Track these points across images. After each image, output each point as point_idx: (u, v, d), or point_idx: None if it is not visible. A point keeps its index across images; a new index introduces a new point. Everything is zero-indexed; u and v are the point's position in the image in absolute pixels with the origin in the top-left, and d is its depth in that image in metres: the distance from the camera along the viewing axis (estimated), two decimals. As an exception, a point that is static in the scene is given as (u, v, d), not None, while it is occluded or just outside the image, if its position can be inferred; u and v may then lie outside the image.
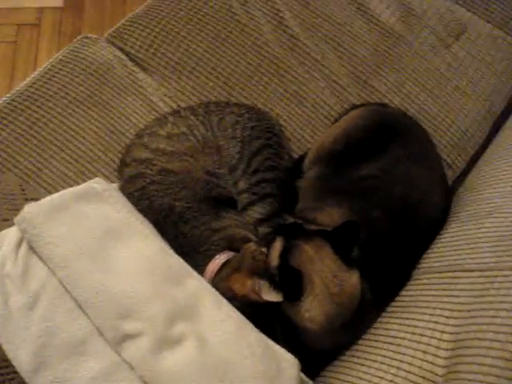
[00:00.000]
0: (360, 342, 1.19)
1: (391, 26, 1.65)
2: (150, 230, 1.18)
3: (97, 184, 1.19)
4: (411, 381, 1.02)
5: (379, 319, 1.22)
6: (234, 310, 1.11)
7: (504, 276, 1.02)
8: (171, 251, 1.16)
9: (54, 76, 1.52)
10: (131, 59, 1.58)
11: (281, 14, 1.64)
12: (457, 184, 1.52)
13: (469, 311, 1.03)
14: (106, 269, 1.08)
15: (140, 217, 1.21)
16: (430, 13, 1.68)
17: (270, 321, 1.20)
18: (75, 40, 1.60)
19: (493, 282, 1.03)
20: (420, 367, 1.03)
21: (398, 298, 1.23)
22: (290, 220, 1.31)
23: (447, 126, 1.56)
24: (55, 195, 1.13)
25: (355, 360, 1.16)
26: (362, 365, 1.13)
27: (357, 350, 1.19)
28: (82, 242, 1.09)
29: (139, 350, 1.03)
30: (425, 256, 1.29)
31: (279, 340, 1.18)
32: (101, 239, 1.11)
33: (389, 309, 1.22)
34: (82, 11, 2.41)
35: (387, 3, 1.68)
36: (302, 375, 1.11)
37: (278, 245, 1.19)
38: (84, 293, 1.06)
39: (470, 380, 0.91)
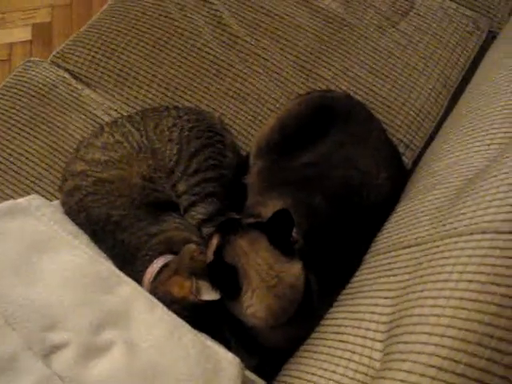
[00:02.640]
0: (312, 334, 1.14)
1: (333, 12, 1.61)
2: (80, 241, 1.16)
3: (24, 200, 1.18)
4: (351, 369, 0.97)
5: (331, 309, 1.16)
6: (169, 313, 1.07)
7: (436, 247, 0.95)
8: (102, 259, 1.14)
9: (-4, 102, 1.54)
10: (74, 77, 1.59)
11: (219, 14, 1.62)
12: (417, 163, 1.46)
13: (403, 289, 0.96)
14: (29, 282, 1.06)
15: (72, 229, 1.20)
16: (375, -7, 1.64)
17: (218, 324, 1.17)
18: (19, 65, 1.62)
19: (426, 255, 0.97)
20: (361, 354, 0.98)
21: (348, 285, 1.18)
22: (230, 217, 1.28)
23: (400, 105, 1.50)
24: (-24, 215, 1.13)
25: (305, 354, 1.12)
26: (310, 358, 1.08)
27: (307, 344, 1.14)
28: (5, 257, 1.08)
29: (67, 361, 1.00)
30: (375, 238, 1.23)
31: (230, 342, 1.14)
32: (25, 253, 1.09)
33: (339, 297, 1.17)
34: (51, 41, 2.45)
35: (329, -11, 1.65)
36: (250, 374, 1.08)
37: (213, 242, 1.16)
38: (9, 307, 1.04)
39: (395, 360, 0.85)
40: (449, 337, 0.78)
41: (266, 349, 1.16)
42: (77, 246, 1.13)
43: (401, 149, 1.46)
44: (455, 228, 0.95)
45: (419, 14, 1.62)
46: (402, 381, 0.79)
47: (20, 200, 1.17)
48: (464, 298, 0.81)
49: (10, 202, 1.16)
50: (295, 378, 1.07)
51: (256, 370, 1.10)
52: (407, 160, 1.47)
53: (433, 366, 0.77)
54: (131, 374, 0.99)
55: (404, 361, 0.82)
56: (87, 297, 1.06)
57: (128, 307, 1.07)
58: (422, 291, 0.90)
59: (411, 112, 1.51)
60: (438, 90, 1.53)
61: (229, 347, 1.10)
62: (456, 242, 0.91)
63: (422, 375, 0.77)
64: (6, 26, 2.56)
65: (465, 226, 0.93)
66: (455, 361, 0.76)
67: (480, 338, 0.76)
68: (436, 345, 0.79)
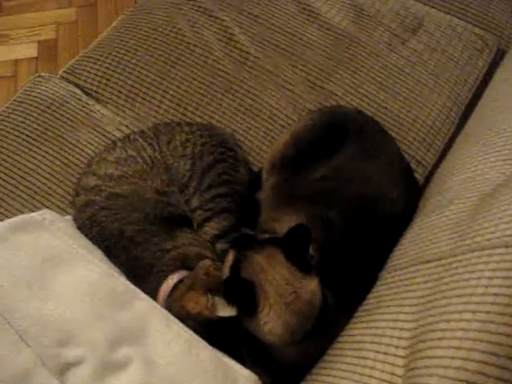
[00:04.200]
0: (328, 351, 1.13)
1: (344, 29, 1.62)
2: (95, 255, 1.15)
3: (38, 214, 1.17)
4: (372, 386, 0.95)
5: (348, 326, 1.15)
6: (186, 328, 1.06)
7: (458, 261, 0.95)
8: (117, 274, 1.13)
9: (7, 117, 1.53)
10: (85, 92, 1.59)
11: (230, 31, 1.62)
12: (429, 180, 1.46)
13: (425, 304, 0.95)
14: (44, 296, 1.05)
15: (86, 244, 1.18)
16: (384, 11, 1.65)
17: (233, 340, 1.15)
18: (29, 80, 1.62)
19: (448, 270, 0.96)
20: (382, 370, 0.96)
21: (364, 302, 1.17)
22: (247, 232, 1.27)
23: (411, 121, 1.51)
24: (-10, 228, 1.12)
25: (322, 371, 1.09)
26: (329, 375, 1.06)
27: (325, 361, 1.12)
28: (19, 271, 1.07)
29: (82, 378, 0.98)
30: (391, 254, 1.22)
31: (245, 359, 1.13)
32: (39, 267, 1.08)
33: (356, 313, 1.16)
34: (56, 58, 2.46)
35: (338, 7, 1.66)
36: (266, 392, 1.06)
37: (229, 258, 1.15)
38: (23, 322, 1.02)
39: (422, 376, 0.84)
40: (477, 351, 0.77)
41: (281, 366, 1.15)
42: (91, 261, 1.12)
43: (413, 165, 1.46)
44: (477, 242, 0.94)
45: (428, 32, 1.63)
46: (430, 397, 0.78)
47: (33, 214, 1.16)
48: (491, 312, 0.80)
49: (24, 216, 1.15)
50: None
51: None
52: (419, 176, 1.47)
53: (461, 381, 0.76)
54: (149, 391, 0.97)
55: (431, 375, 0.81)
56: (103, 312, 1.05)
57: (144, 323, 1.06)
58: (446, 306, 0.89)
59: (422, 128, 1.51)
60: (448, 107, 1.54)
61: (243, 364, 1.08)
62: (479, 257, 0.90)
63: (452, 389, 0.76)
64: (11, 42, 2.56)
65: (487, 240, 0.92)
66: (485, 375, 0.75)
67: (509, 351, 0.75)
68: (464, 359, 0.78)
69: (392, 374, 0.94)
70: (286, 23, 1.63)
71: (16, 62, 2.48)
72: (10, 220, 1.14)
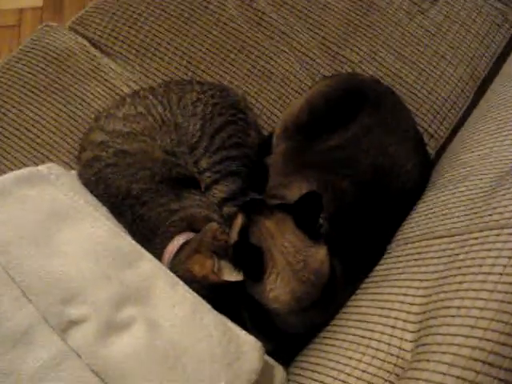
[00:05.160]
0: (332, 321, 1.12)
1: (363, -6, 1.58)
2: (100, 212, 1.12)
3: (45, 168, 1.14)
4: (379, 359, 0.94)
5: (353, 296, 1.14)
6: (191, 291, 1.04)
7: (474, 239, 0.93)
8: (123, 234, 1.10)
9: (13, 66, 1.48)
10: (94, 45, 1.54)
11: (245, -12, 1.57)
12: (440, 154, 1.43)
13: (437, 279, 0.94)
14: (49, 253, 1.02)
15: (91, 200, 1.16)
16: (405, -23, 1.60)
17: (236, 306, 1.14)
18: (36, 29, 1.57)
19: (463, 247, 0.95)
20: (389, 344, 0.95)
21: (371, 273, 1.15)
22: (256, 197, 1.25)
23: (426, 93, 1.48)
24: (-4, 180, 1.09)
25: (326, 341, 1.09)
26: (333, 345, 1.06)
27: (328, 330, 1.11)
28: (24, 226, 1.04)
29: (85, 337, 0.97)
30: (400, 227, 1.21)
31: (246, 324, 1.12)
32: (44, 222, 1.05)
33: (362, 285, 1.15)
34: (62, 9, 2.39)
35: (358, -31, 1.61)
36: (269, 359, 1.05)
37: (238, 222, 1.13)
38: (26, 278, 1.00)
39: (434, 352, 0.83)
40: (494, 330, 0.77)
41: (284, 334, 1.14)
42: (97, 218, 1.09)
43: (425, 138, 1.44)
44: (496, 220, 0.93)
45: (449, 2, 1.58)
46: (443, 373, 0.77)
47: (40, 167, 1.13)
48: (509, 292, 0.79)
49: (30, 169, 1.11)
50: (315, 364, 1.05)
51: (271, 355, 1.08)
52: (431, 150, 1.45)
53: (477, 360, 0.75)
54: (152, 353, 0.96)
55: (444, 353, 0.80)
56: (108, 271, 1.03)
57: (149, 284, 1.04)
58: (460, 283, 0.88)
59: (437, 101, 1.48)
60: (464, 81, 1.51)
61: (245, 329, 1.07)
62: (498, 235, 0.89)
63: (466, 368, 0.75)
64: (16, -10, 2.49)
65: (506, 218, 0.91)
66: (502, 355, 0.74)
67: (527, 333, 0.74)
68: (480, 338, 0.77)
69: (400, 348, 0.93)
70: (303, -16, 1.58)
71: (21, 10, 2.42)
72: (15, 172, 1.10)
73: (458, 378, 0.75)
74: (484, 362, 0.74)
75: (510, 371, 0.73)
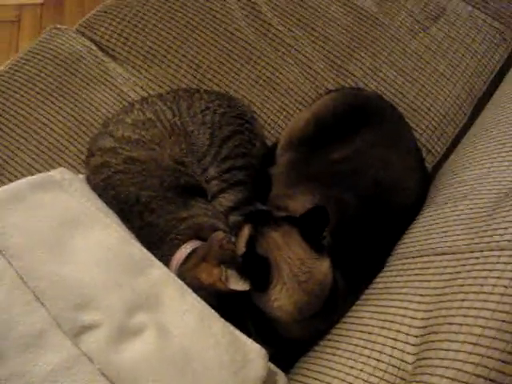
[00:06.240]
0: (333, 330, 1.16)
1: (367, 10, 1.61)
2: (111, 219, 1.15)
3: (58, 173, 1.16)
4: (381, 369, 0.98)
5: (353, 307, 1.18)
6: (199, 299, 1.08)
7: (475, 258, 0.98)
8: (133, 241, 1.13)
9: (21, 67, 1.50)
10: (101, 49, 1.56)
11: (253, 0, 1.60)
12: (437, 170, 1.48)
13: (439, 295, 0.98)
14: (62, 259, 1.05)
15: (102, 206, 1.18)
16: (408, -5, 1.65)
17: (241, 312, 1.17)
18: (44, 31, 1.58)
19: (464, 265, 0.99)
20: (390, 355, 0.99)
21: (372, 285, 1.19)
22: (261, 208, 1.28)
23: (425, 109, 1.52)
24: (11, 185, 1.11)
25: (327, 350, 1.13)
26: (334, 354, 1.09)
27: (329, 340, 1.15)
28: (38, 232, 1.06)
29: (97, 342, 0.99)
30: (400, 242, 1.25)
31: (250, 332, 1.15)
32: (57, 229, 1.07)
33: (363, 296, 1.19)
34: (62, 6, 2.39)
35: (363, -14, 1.65)
36: (272, 366, 1.08)
37: (245, 232, 1.16)
38: (40, 283, 1.03)
39: (436, 366, 0.87)
40: (495, 349, 0.81)
41: (284, 341, 1.17)
42: (109, 225, 1.12)
43: (423, 153, 1.48)
44: (496, 242, 0.97)
45: (449, 21, 1.63)
46: (446, 388, 0.82)
47: (52, 173, 1.15)
48: (510, 313, 0.83)
49: (43, 175, 1.14)
50: (317, 372, 1.09)
51: (273, 362, 1.11)
52: (428, 165, 1.49)
53: (479, 376, 0.80)
54: (162, 359, 0.99)
55: (447, 368, 0.84)
56: (120, 278, 1.06)
57: (159, 291, 1.07)
58: (462, 300, 0.92)
59: (435, 117, 1.53)
60: (462, 98, 1.56)
61: (249, 336, 1.11)
62: (499, 256, 0.93)
63: (469, 384, 0.80)
64: (17, -14, 2.48)
65: (507, 240, 0.95)
66: (504, 373, 0.78)
67: (528, 352, 0.78)
68: (482, 356, 0.81)
69: (401, 360, 0.97)
70: (311, -3, 1.62)
71: (20, 6, 2.42)
72: (29, 178, 1.12)
73: (461, 392, 0.79)
74: (486, 379, 0.79)
75: (511, 388, 0.77)
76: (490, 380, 0.78)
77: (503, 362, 0.79)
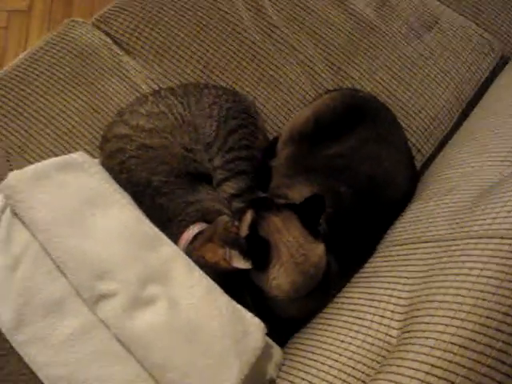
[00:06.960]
0: (325, 309, 1.25)
1: (366, 17, 1.72)
2: (127, 200, 1.25)
3: (79, 156, 1.25)
4: (368, 342, 1.08)
5: (344, 289, 1.28)
6: (205, 276, 1.17)
7: (456, 245, 1.08)
8: (147, 220, 1.23)
9: (41, 57, 1.58)
10: (116, 43, 1.65)
11: (260, 3, 1.70)
12: (425, 168, 1.59)
13: (422, 278, 1.09)
14: (83, 234, 1.14)
15: (118, 188, 1.27)
16: (404, 4, 1.76)
17: (241, 290, 1.26)
18: (63, 23, 1.66)
19: (446, 251, 1.09)
20: (377, 330, 1.09)
21: (362, 270, 1.30)
22: (262, 195, 1.38)
23: (417, 112, 1.63)
24: (38, 164, 1.20)
25: (320, 326, 1.22)
26: (326, 330, 1.19)
27: (321, 318, 1.24)
28: (62, 209, 1.16)
29: (113, 310, 1.09)
30: (389, 231, 1.36)
31: (249, 308, 1.24)
32: (79, 207, 1.17)
33: (353, 279, 1.29)
34: (71, -1, 2.47)
35: (364, -7, 1.76)
36: (268, 339, 1.17)
37: (248, 216, 1.25)
38: (62, 255, 1.12)
39: (418, 337, 0.97)
40: (470, 321, 0.91)
41: (279, 318, 1.27)
42: (125, 205, 1.22)
43: (413, 152, 1.58)
44: (476, 231, 1.08)
45: (442, 30, 1.74)
46: (426, 354, 0.92)
47: (73, 155, 1.24)
48: (484, 291, 0.94)
49: (66, 157, 1.23)
50: (310, 346, 1.18)
51: (269, 336, 1.20)
52: (417, 163, 1.59)
53: (455, 344, 0.90)
54: (172, 328, 1.09)
55: (427, 338, 0.95)
56: (135, 253, 1.15)
57: (169, 266, 1.17)
58: (443, 281, 1.03)
59: (426, 119, 1.63)
60: (451, 103, 1.67)
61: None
62: (476, 244, 1.04)
63: (446, 351, 0.90)
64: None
65: (485, 230, 1.06)
66: (476, 341, 0.89)
67: (498, 324, 0.89)
68: (458, 327, 0.92)
69: (387, 334, 1.07)
70: (314, 3, 1.72)
71: (31, -4, 2.48)
72: (53, 159, 1.22)
73: (439, 358, 0.89)
74: (461, 346, 0.89)
75: (482, 354, 0.87)
76: (464, 347, 0.89)
77: (476, 332, 0.90)
